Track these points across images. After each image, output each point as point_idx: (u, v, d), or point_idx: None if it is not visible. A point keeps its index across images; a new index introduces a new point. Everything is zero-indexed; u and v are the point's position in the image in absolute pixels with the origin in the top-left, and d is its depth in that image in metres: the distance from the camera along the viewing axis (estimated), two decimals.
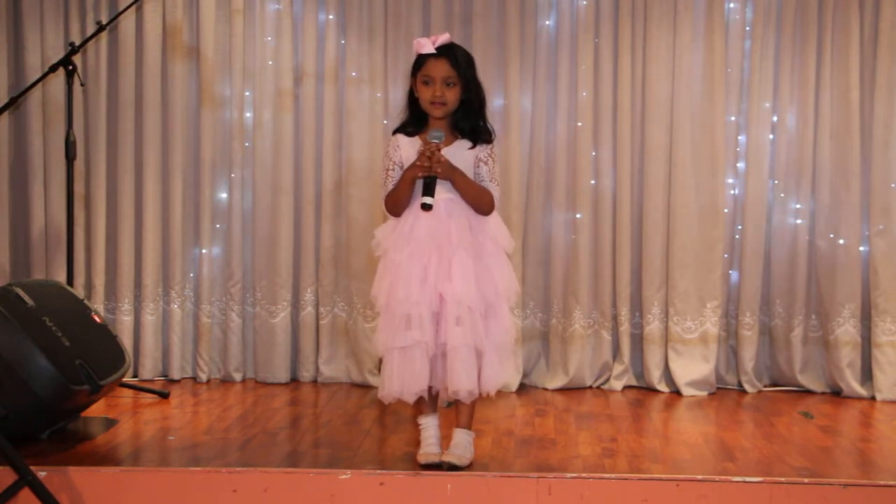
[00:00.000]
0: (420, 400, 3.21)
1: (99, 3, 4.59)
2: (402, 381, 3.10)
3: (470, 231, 3.12)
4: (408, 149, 3.15)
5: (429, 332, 3.07)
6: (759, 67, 4.49)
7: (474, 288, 3.07)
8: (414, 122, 3.21)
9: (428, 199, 3.04)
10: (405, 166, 3.14)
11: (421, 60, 3.14)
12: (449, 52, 3.11)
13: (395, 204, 3.19)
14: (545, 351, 4.66)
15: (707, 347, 4.51)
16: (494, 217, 3.19)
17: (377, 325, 3.24)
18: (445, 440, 3.23)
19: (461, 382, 3.06)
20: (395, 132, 3.25)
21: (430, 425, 3.24)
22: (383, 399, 3.18)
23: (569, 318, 4.55)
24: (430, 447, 3.18)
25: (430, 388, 3.18)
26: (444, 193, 3.11)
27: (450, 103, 3.12)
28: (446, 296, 3.06)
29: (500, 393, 4.35)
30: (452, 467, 3.08)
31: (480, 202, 3.14)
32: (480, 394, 3.15)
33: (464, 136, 3.17)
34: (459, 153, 3.14)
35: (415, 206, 3.11)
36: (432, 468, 3.10)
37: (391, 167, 3.20)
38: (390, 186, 3.20)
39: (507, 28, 4.52)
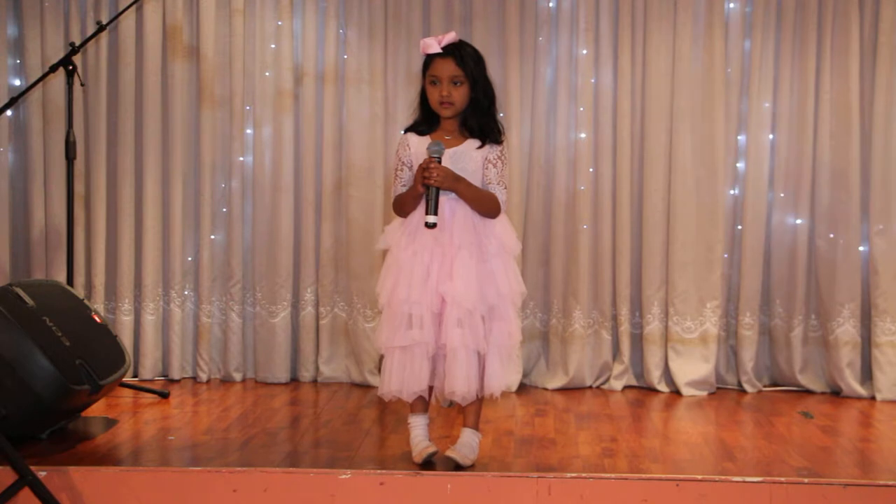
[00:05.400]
0: (415, 399, 3.21)
1: (99, 3, 4.59)
2: (402, 380, 3.11)
3: (474, 232, 3.11)
4: (418, 148, 3.15)
5: (429, 333, 3.07)
6: (759, 67, 4.49)
7: (475, 289, 3.06)
8: (425, 121, 3.20)
9: (431, 219, 3.02)
10: (414, 165, 3.13)
11: (428, 61, 3.13)
12: (455, 51, 3.10)
13: (401, 209, 3.20)
14: (545, 351, 4.66)
15: (707, 347, 4.51)
16: (502, 220, 3.17)
17: (379, 321, 3.24)
18: (447, 440, 3.23)
19: (458, 384, 3.05)
20: (406, 131, 3.24)
21: (418, 423, 3.23)
22: (383, 397, 3.18)
23: (569, 318, 4.55)
24: (421, 443, 3.17)
25: (430, 387, 3.18)
26: (448, 195, 3.09)
27: (457, 103, 3.12)
28: (447, 296, 3.06)
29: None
30: (456, 466, 3.09)
31: (486, 208, 3.12)
32: (483, 396, 3.15)
33: (472, 135, 3.16)
34: (468, 153, 3.13)
35: (422, 207, 3.09)
36: (429, 465, 3.10)
37: (400, 167, 3.20)
38: (399, 186, 3.20)
39: (507, 28, 4.52)
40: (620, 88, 4.52)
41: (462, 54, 3.11)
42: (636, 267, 4.58)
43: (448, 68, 3.09)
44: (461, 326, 3.04)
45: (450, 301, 3.05)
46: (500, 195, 3.14)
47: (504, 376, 3.15)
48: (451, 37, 3.12)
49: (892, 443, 3.67)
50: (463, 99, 3.12)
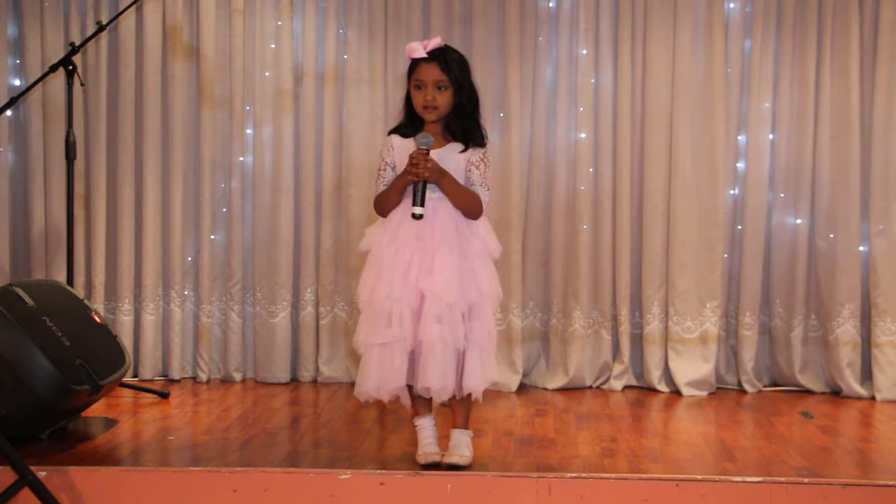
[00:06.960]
0: (416, 401, 3.21)
1: (99, 3, 4.59)
2: (380, 378, 3.09)
3: (456, 230, 3.12)
4: (401, 150, 3.16)
5: (408, 329, 3.06)
6: (759, 67, 4.49)
7: (456, 285, 3.06)
8: (410, 124, 3.22)
9: (418, 209, 3.05)
10: (398, 167, 3.15)
11: (413, 65, 3.15)
12: (440, 56, 3.12)
13: (382, 207, 3.20)
14: (545, 351, 4.66)
15: (707, 347, 4.51)
16: (483, 222, 3.19)
17: (359, 320, 3.22)
18: (445, 440, 3.23)
19: (432, 379, 3.04)
20: (390, 133, 3.26)
21: (426, 426, 3.24)
22: (359, 397, 3.16)
23: (569, 318, 4.55)
24: (428, 447, 3.18)
25: (410, 387, 3.15)
26: (431, 193, 3.11)
27: (441, 107, 3.13)
28: (426, 292, 3.06)
29: (500, 393, 4.38)
30: (454, 467, 3.09)
31: (468, 207, 3.13)
32: (460, 394, 3.14)
33: (455, 138, 3.18)
34: (450, 156, 3.15)
35: (402, 205, 3.11)
36: (432, 468, 3.10)
37: (383, 167, 3.22)
38: (381, 186, 3.21)
39: (507, 28, 4.52)
40: (620, 89, 4.52)
41: (447, 59, 3.12)
42: (636, 267, 4.58)
43: (432, 73, 3.11)
44: (440, 322, 3.04)
45: (429, 296, 3.05)
46: (483, 196, 3.15)
47: (484, 375, 3.14)
48: (436, 42, 3.14)
49: (892, 443, 3.68)
50: (447, 103, 3.14)
